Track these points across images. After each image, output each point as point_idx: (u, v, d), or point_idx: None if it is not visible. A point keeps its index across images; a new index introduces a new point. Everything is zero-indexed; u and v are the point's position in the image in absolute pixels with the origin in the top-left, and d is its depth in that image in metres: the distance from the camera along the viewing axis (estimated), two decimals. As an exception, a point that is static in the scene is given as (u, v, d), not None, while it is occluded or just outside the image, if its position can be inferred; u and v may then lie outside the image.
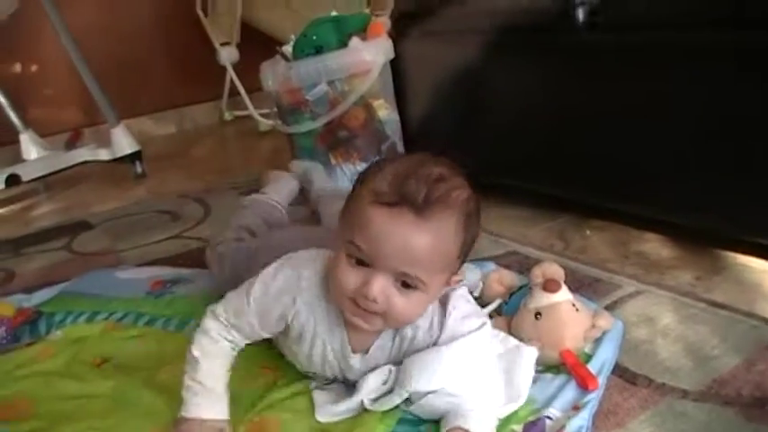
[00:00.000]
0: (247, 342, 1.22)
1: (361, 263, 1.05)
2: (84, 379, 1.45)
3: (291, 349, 1.25)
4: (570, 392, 1.21)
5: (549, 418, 1.15)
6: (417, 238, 1.02)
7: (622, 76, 1.74)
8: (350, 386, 1.24)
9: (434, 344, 1.16)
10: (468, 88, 2.19)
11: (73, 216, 2.91)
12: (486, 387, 1.16)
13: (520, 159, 2.08)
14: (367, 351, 1.19)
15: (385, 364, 1.19)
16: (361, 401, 1.18)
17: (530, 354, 1.23)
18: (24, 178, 3.25)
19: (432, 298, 1.13)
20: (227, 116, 4.46)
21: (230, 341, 1.19)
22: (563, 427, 1.11)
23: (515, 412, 1.17)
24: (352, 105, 2.25)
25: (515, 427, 1.14)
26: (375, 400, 1.18)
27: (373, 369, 1.19)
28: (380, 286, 1.04)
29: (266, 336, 1.22)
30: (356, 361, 1.20)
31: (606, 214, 1.93)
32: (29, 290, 1.98)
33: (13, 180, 3.21)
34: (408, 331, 1.17)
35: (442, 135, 2.33)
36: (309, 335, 1.19)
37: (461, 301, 1.19)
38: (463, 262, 1.12)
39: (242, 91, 4.06)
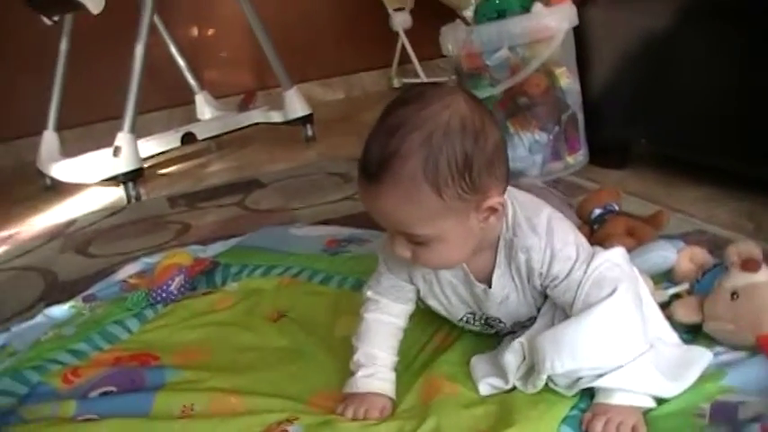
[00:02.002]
0: (406, 303, 1.24)
1: None
2: (260, 331, 1.46)
3: (433, 306, 1.25)
4: (766, 378, 1.11)
5: (741, 403, 1.06)
6: (380, 205, 1.02)
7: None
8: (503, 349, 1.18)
9: (548, 271, 1.11)
10: (655, 58, 2.08)
11: (245, 174, 2.98)
12: (637, 360, 1.05)
13: (708, 135, 1.96)
14: (490, 283, 1.15)
15: (516, 296, 1.17)
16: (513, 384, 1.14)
17: (704, 357, 1.14)
18: (199, 137, 3.37)
19: (462, 239, 1.07)
20: (396, 83, 4.45)
21: (391, 302, 1.22)
22: (760, 416, 1.02)
23: (702, 387, 1.07)
24: (533, 72, 2.18)
25: (703, 404, 1.05)
26: (525, 379, 1.12)
27: (506, 300, 1.17)
28: (399, 248, 1.07)
29: (412, 289, 1.23)
30: (484, 291, 1.16)
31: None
32: (204, 242, 2.02)
33: (188, 138, 3.32)
34: (521, 256, 1.11)
35: (624, 107, 2.23)
36: (434, 280, 1.19)
37: (570, 236, 1.13)
38: (482, 175, 1.02)
39: (413, 58, 4.05)
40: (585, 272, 1.09)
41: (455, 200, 1.01)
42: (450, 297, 1.21)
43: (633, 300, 1.09)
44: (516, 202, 1.13)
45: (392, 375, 1.19)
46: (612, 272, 1.09)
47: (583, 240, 1.15)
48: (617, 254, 1.14)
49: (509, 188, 1.13)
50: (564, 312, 1.12)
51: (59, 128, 3.34)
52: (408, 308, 1.24)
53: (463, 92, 1.05)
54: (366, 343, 1.19)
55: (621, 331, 1.05)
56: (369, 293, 1.23)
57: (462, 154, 0.99)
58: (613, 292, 1.06)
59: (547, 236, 1.10)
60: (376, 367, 1.17)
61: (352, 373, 1.18)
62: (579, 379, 1.07)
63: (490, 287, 1.16)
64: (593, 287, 1.08)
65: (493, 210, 1.06)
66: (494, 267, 1.15)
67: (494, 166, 1.04)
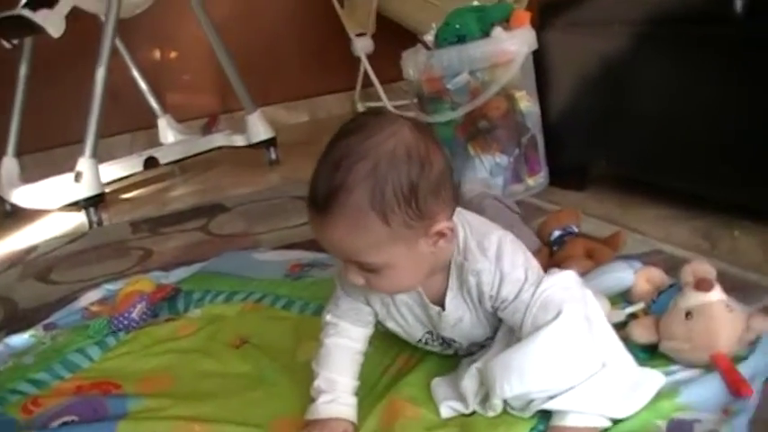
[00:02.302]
0: (365, 326, 1.24)
1: None
2: (222, 358, 1.45)
3: (392, 328, 1.26)
4: (719, 395, 1.11)
5: (697, 421, 1.08)
6: (330, 235, 1.03)
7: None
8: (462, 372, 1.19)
9: (497, 294, 1.12)
10: (613, 81, 2.10)
11: (209, 199, 2.97)
12: (587, 382, 1.06)
13: (666, 156, 1.98)
14: (443, 305, 1.17)
15: (470, 317, 1.18)
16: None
17: (657, 378, 1.15)
18: (162, 161, 3.36)
19: (414, 265, 1.09)
20: (360, 107, 4.46)
21: (350, 326, 1.23)
22: (715, 432, 1.03)
23: (658, 406, 1.09)
24: (494, 96, 2.20)
25: (659, 421, 1.07)
26: (484, 403, 1.13)
27: (460, 323, 1.19)
28: (352, 276, 1.08)
29: (370, 312, 1.24)
30: (438, 313, 1.17)
31: (757, 215, 1.83)
32: (166, 268, 2.02)
33: (150, 162, 3.31)
34: (471, 279, 1.13)
35: (583, 129, 2.25)
36: (391, 303, 1.21)
37: (519, 258, 1.14)
38: (428, 201, 1.03)
39: (376, 82, 4.05)
40: (533, 294, 1.10)
41: (402, 227, 1.02)
42: (407, 317, 1.22)
43: (580, 321, 1.10)
44: (468, 225, 1.15)
45: (353, 400, 1.19)
46: (559, 294, 1.11)
47: (533, 262, 1.16)
48: (566, 277, 1.16)
49: (461, 211, 1.15)
50: (516, 336, 1.14)
51: (19, 153, 3.30)
52: (367, 331, 1.24)
53: (407, 120, 1.06)
54: (326, 368, 1.20)
55: (568, 353, 1.07)
56: (328, 317, 1.24)
57: (408, 182, 1.01)
58: (558, 314, 1.07)
59: (497, 259, 1.12)
60: (336, 393, 1.18)
61: (312, 400, 1.18)
62: (532, 401, 1.08)
63: (444, 309, 1.17)
64: (539, 310, 1.09)
65: (441, 234, 1.07)
66: (446, 290, 1.16)
67: (440, 191, 1.05)
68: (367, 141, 1.01)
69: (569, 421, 1.05)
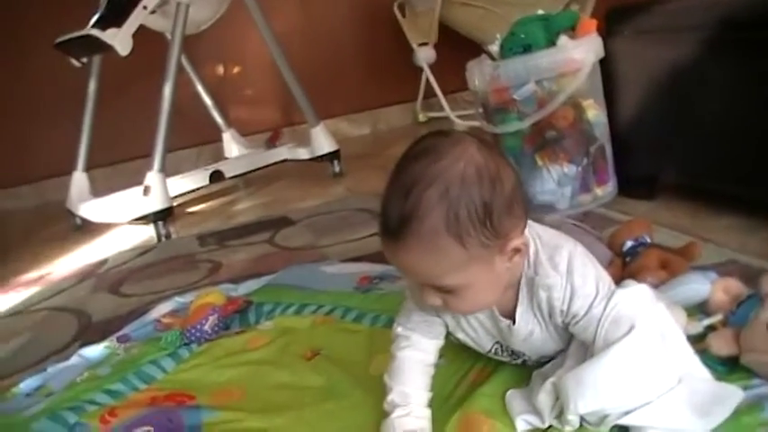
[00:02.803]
0: (437, 338, 1.24)
1: None
2: (294, 370, 1.46)
3: (462, 338, 1.25)
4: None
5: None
6: (406, 261, 1.03)
7: None
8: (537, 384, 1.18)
9: (568, 308, 1.11)
10: (682, 89, 2.07)
11: (274, 212, 2.99)
12: (663, 397, 1.05)
13: (737, 164, 1.94)
14: (513, 319, 1.16)
15: (540, 332, 1.17)
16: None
17: (736, 394, 1.13)
18: (227, 174, 3.40)
19: (490, 283, 1.08)
20: (422, 118, 4.48)
21: (421, 338, 1.23)
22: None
23: (741, 421, 1.06)
24: (561, 105, 2.18)
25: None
26: (560, 418, 1.11)
27: (530, 336, 1.18)
28: (428, 297, 1.09)
29: (441, 323, 1.24)
30: (508, 327, 1.17)
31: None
32: (235, 280, 2.03)
33: (216, 176, 3.35)
34: (542, 293, 1.12)
35: (652, 138, 2.22)
36: (463, 317, 1.20)
37: (590, 272, 1.12)
38: (502, 219, 1.03)
39: (438, 92, 4.06)
40: (605, 308, 1.09)
41: (479, 248, 1.01)
42: (478, 330, 1.22)
43: (654, 336, 1.08)
44: (538, 238, 1.14)
45: (427, 412, 1.19)
46: (632, 309, 1.09)
47: (604, 276, 1.15)
48: (638, 291, 1.14)
49: (532, 224, 1.14)
50: (589, 351, 1.12)
51: (88, 168, 3.37)
52: (439, 342, 1.24)
53: (474, 139, 1.06)
54: (399, 382, 1.19)
55: (642, 368, 1.05)
56: (399, 330, 1.24)
57: (481, 203, 1.00)
58: (631, 329, 1.06)
59: (567, 274, 1.11)
60: (411, 406, 1.17)
61: (386, 414, 1.18)
62: (607, 416, 1.06)
63: (514, 323, 1.17)
64: (611, 325, 1.08)
65: (517, 250, 1.07)
66: (516, 307, 1.16)
67: (513, 208, 1.05)
68: (436, 165, 1.00)
69: None
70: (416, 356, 1.22)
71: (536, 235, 1.15)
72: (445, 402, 1.25)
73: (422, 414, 1.18)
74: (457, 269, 1.02)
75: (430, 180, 0.99)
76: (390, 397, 1.19)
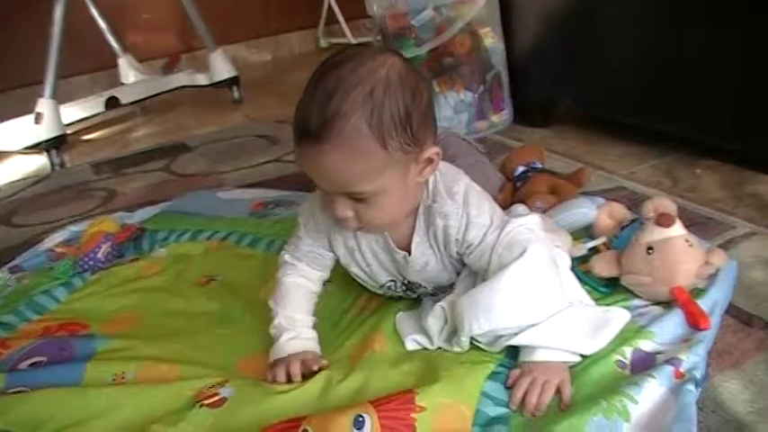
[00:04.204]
0: (323, 270, 1.27)
1: None
2: (189, 296, 1.46)
3: (355, 273, 1.27)
4: (680, 329, 1.14)
5: (659, 352, 1.10)
6: (326, 164, 1.02)
7: (754, 6, 1.62)
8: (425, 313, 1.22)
9: (463, 237, 1.14)
10: (579, 18, 2.09)
11: (171, 139, 2.94)
12: (554, 318, 1.08)
13: (630, 95, 1.99)
14: (409, 250, 1.18)
15: (435, 263, 1.19)
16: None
17: (623, 316, 1.17)
18: (123, 101, 3.30)
19: (403, 193, 1.09)
20: (323, 44, 4.44)
21: (307, 267, 1.25)
22: (678, 361, 1.06)
23: (623, 336, 1.12)
24: (458, 33, 2.19)
25: (626, 348, 1.09)
26: (449, 340, 1.15)
27: (426, 267, 1.20)
28: (340, 208, 1.08)
29: (330, 257, 1.26)
30: (404, 258, 1.19)
31: (718, 154, 1.84)
32: (130, 208, 2.01)
33: (112, 103, 3.25)
34: (438, 221, 1.14)
35: (549, 67, 2.25)
36: (356, 248, 1.22)
37: (485, 205, 1.15)
38: (420, 128, 1.05)
39: (340, 18, 4.02)
40: (498, 236, 1.12)
41: (399, 152, 1.02)
42: (372, 264, 1.23)
43: (545, 260, 1.12)
44: (437, 170, 1.15)
45: (314, 334, 1.21)
46: (524, 235, 1.12)
47: (497, 210, 1.18)
48: (530, 220, 1.17)
49: None
50: (482, 277, 1.15)
51: (-23, 95, 3.24)
52: (324, 275, 1.27)
53: (393, 52, 1.07)
54: (284, 306, 1.21)
55: (534, 290, 1.08)
56: (286, 257, 1.26)
57: (404, 107, 1.01)
58: (523, 252, 1.09)
59: (464, 204, 1.13)
60: (297, 329, 1.19)
61: (275, 338, 1.19)
62: (500, 337, 1.10)
63: (410, 254, 1.18)
64: (505, 250, 1.11)
65: (429, 161, 1.08)
66: (412, 238, 1.17)
67: (429, 119, 1.07)
68: (360, 69, 1.01)
69: (538, 356, 1.07)
70: (302, 282, 1.24)
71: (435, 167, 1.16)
72: (335, 327, 1.28)
73: (309, 335, 1.20)
74: (376, 173, 1.03)
75: (352, 83, 1.00)
76: (277, 320, 1.20)
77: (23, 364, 1.27)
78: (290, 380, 1.12)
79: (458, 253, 1.17)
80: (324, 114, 0.98)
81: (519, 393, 1.04)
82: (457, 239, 1.14)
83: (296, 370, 1.13)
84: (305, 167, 1.05)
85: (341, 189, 1.05)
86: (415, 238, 1.17)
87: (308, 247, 1.24)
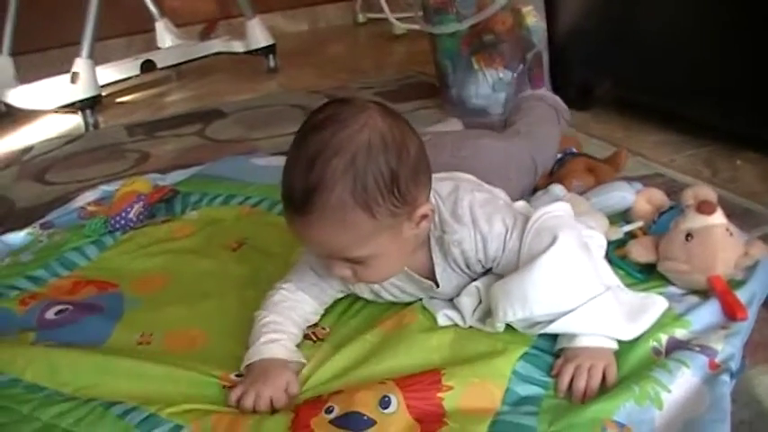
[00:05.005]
0: (321, 305, 1.22)
1: None
2: (219, 259, 1.46)
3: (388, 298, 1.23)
4: (716, 319, 1.12)
5: (695, 338, 1.08)
6: (313, 235, 1.00)
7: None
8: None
9: (485, 255, 1.12)
10: (624, 1, 2.08)
11: (206, 104, 2.95)
12: (590, 303, 1.05)
13: (672, 80, 1.95)
14: (434, 278, 1.16)
15: (465, 282, 1.17)
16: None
17: (661, 303, 1.15)
18: (159, 65, 3.31)
19: (397, 250, 1.07)
20: (361, 18, 4.42)
21: (308, 299, 1.20)
22: (713, 352, 1.04)
23: (666, 320, 1.10)
24: (500, 10, 2.17)
25: (662, 335, 1.07)
26: (483, 320, 1.13)
27: (458, 287, 1.17)
28: (337, 269, 1.06)
29: (333, 295, 1.23)
30: (431, 287, 1.17)
31: (760, 146, 1.81)
32: (163, 171, 2.01)
33: (148, 66, 3.26)
34: (454, 249, 1.12)
35: (590, 49, 2.22)
36: (381, 288, 1.19)
37: (493, 213, 1.12)
38: (409, 186, 1.01)
39: (379, -9, 4.00)
40: (521, 238, 1.09)
41: (387, 217, 1.00)
42: (400, 296, 1.21)
43: (577, 245, 1.09)
44: (437, 195, 1.13)
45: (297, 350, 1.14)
46: (552, 222, 1.10)
47: (506, 210, 1.15)
48: (557, 207, 1.15)
49: None
50: None
51: (14, 53, 3.24)
52: (321, 309, 1.22)
53: (377, 106, 1.03)
54: (271, 312, 1.16)
55: (568, 275, 1.06)
56: (285, 286, 1.19)
57: (389, 170, 0.98)
58: (554, 240, 1.06)
59: (473, 223, 1.11)
60: (282, 334, 1.13)
61: (253, 340, 1.12)
62: (536, 324, 1.07)
63: (436, 284, 1.16)
64: (534, 239, 1.08)
65: (424, 216, 1.06)
66: (433, 265, 1.15)
67: (419, 174, 1.04)
68: (340, 134, 0.97)
69: (579, 342, 1.05)
70: (295, 306, 1.18)
71: (434, 191, 1.12)
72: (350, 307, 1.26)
73: (292, 347, 1.13)
74: (366, 239, 1.01)
75: (335, 150, 0.96)
76: (261, 323, 1.14)
77: (50, 312, 1.28)
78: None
79: (483, 267, 1.15)
80: (306, 184, 0.96)
81: (566, 379, 1.01)
82: (479, 259, 1.12)
83: (263, 406, 1.02)
84: (295, 235, 1.03)
85: (330, 255, 1.05)
86: (437, 270, 1.15)
87: (313, 279, 1.19)
